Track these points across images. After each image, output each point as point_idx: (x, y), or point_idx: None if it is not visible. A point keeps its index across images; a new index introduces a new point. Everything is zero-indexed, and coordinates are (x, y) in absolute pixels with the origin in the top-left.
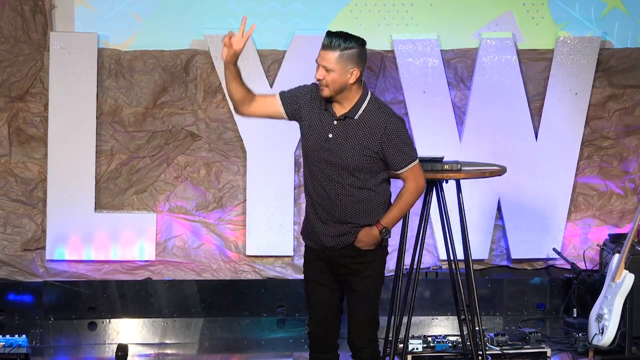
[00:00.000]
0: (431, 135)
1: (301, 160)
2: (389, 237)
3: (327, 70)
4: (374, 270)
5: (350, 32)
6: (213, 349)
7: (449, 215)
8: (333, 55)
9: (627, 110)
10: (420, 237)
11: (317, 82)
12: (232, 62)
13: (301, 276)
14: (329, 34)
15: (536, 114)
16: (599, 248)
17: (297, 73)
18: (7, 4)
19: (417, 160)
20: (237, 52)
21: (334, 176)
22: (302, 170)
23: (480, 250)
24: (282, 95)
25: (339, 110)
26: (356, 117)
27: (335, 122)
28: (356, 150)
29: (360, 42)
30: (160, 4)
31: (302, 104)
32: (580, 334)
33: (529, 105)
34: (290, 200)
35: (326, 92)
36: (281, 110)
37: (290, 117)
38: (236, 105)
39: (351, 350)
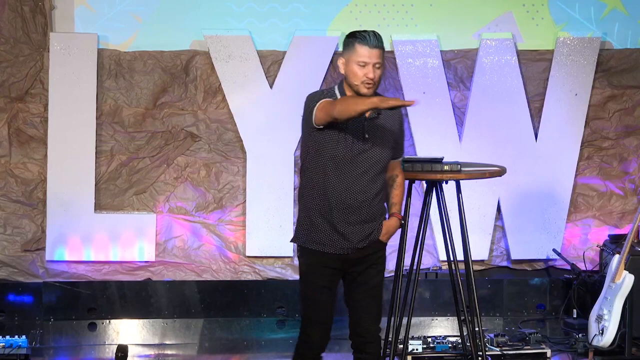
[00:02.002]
0: (431, 135)
1: (305, 164)
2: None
3: (378, 67)
4: (385, 262)
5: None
6: (213, 350)
7: (448, 215)
8: (380, 53)
9: (627, 111)
10: (420, 238)
11: (363, 82)
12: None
13: None
14: (371, 33)
15: (536, 114)
16: (599, 249)
17: (297, 74)
18: (7, 5)
19: None
20: None
21: (373, 175)
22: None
23: (480, 250)
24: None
25: None
26: (382, 113)
27: (365, 122)
28: (388, 144)
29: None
30: (160, 5)
31: None
32: (580, 335)
33: (528, 106)
34: (290, 200)
35: (372, 89)
36: None
37: (326, 126)
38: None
39: (359, 345)
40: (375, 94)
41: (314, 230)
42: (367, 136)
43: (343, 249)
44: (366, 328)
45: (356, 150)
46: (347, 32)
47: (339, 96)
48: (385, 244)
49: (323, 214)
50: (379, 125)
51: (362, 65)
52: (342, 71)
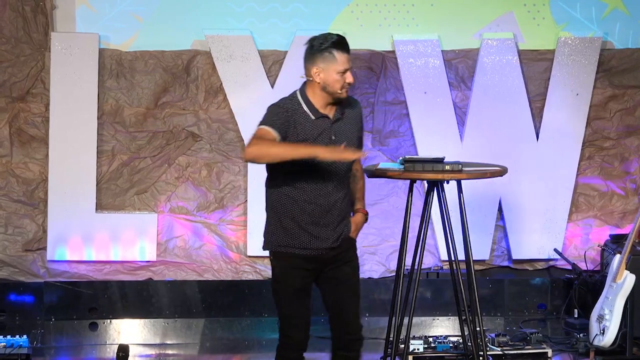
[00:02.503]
0: (432, 135)
1: (272, 172)
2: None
3: (351, 72)
4: (357, 256)
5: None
6: (214, 350)
7: (450, 215)
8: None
9: (628, 111)
10: (421, 238)
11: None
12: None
13: None
14: (337, 38)
15: (537, 114)
16: (600, 248)
17: (298, 73)
18: (8, 5)
19: None
20: None
21: (342, 176)
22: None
23: (481, 250)
24: (275, 127)
25: (329, 111)
26: (345, 113)
27: (331, 125)
28: (353, 143)
29: None
30: (161, 5)
31: (291, 123)
32: (581, 335)
33: (530, 106)
34: None
35: (346, 94)
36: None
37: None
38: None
39: (343, 344)
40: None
41: (286, 235)
42: (333, 138)
43: (317, 250)
44: (353, 325)
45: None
46: (348, 32)
47: (303, 107)
48: (355, 241)
49: (294, 218)
50: (344, 125)
51: (342, 72)
52: (318, 80)
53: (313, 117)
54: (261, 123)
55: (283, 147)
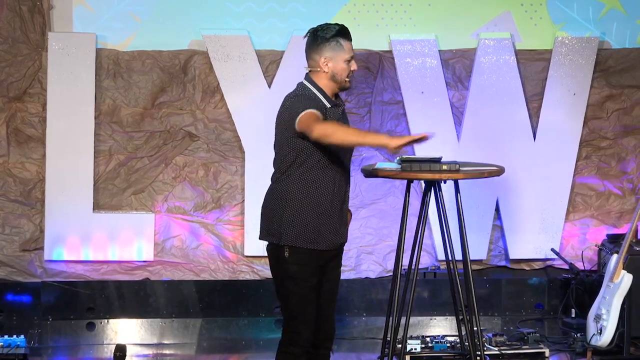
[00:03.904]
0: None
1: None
2: None
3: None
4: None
5: None
6: (211, 349)
7: (447, 215)
8: None
9: (625, 111)
10: (419, 238)
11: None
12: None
13: None
14: (340, 27)
15: (534, 114)
16: (597, 248)
17: (295, 73)
18: (5, 4)
19: None
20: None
21: (348, 164)
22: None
23: (478, 250)
24: (318, 109)
25: (334, 101)
26: (341, 104)
27: (340, 112)
28: None
29: None
30: (159, 5)
31: (326, 110)
32: (578, 334)
33: (527, 106)
34: None
35: (349, 84)
36: None
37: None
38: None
39: (323, 341)
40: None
41: (307, 228)
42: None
43: (332, 244)
44: (332, 324)
45: (342, 147)
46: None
47: (319, 96)
48: None
49: (316, 213)
50: (344, 115)
51: (349, 60)
52: (326, 69)
53: (329, 106)
54: (304, 108)
55: (352, 131)
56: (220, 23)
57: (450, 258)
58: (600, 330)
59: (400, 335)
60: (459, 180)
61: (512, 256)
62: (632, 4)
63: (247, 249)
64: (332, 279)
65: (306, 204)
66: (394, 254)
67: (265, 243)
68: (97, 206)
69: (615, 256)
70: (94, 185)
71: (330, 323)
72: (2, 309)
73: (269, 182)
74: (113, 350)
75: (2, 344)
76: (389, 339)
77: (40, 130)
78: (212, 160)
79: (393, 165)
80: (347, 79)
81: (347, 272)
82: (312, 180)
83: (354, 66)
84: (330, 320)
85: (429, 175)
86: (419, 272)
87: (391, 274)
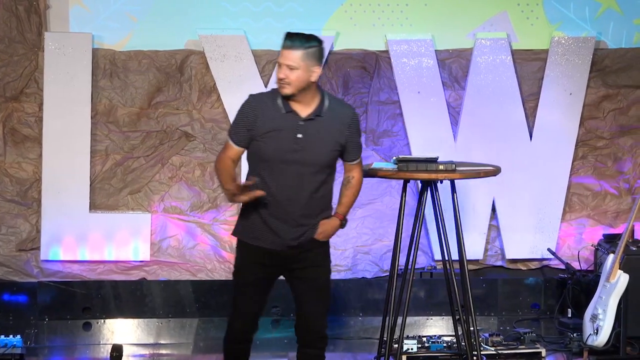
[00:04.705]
0: (426, 135)
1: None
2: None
3: (291, 68)
4: (329, 259)
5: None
6: (208, 349)
7: (443, 215)
8: (297, 54)
9: (621, 110)
10: (415, 237)
11: (278, 82)
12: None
13: None
14: (290, 35)
15: (531, 114)
16: (594, 248)
17: None
18: (1, 4)
19: None
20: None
21: (306, 175)
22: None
23: (474, 250)
24: (237, 141)
25: (303, 109)
26: (323, 115)
27: (301, 123)
28: (328, 146)
29: (320, 41)
30: (155, 4)
31: (257, 117)
32: (574, 334)
33: (523, 106)
34: None
35: (288, 90)
36: (242, 150)
37: (249, 144)
38: None
39: (308, 341)
40: (323, 92)
41: (249, 225)
42: (300, 136)
43: (275, 245)
44: (316, 324)
45: (287, 149)
46: (342, 32)
47: (277, 101)
48: (326, 242)
49: (257, 210)
50: (319, 128)
51: (279, 65)
52: None
53: (284, 111)
54: (230, 129)
55: (221, 178)
56: (217, 23)
57: (446, 258)
58: (597, 330)
59: (396, 335)
60: (455, 180)
61: (508, 256)
62: (629, 4)
63: None
64: (308, 280)
65: (250, 202)
66: (390, 254)
67: None
68: (94, 206)
69: (611, 256)
70: (90, 185)
71: (316, 323)
72: None
73: None
74: (109, 350)
75: None
76: (385, 338)
77: (36, 130)
78: (208, 160)
79: (389, 165)
80: (280, 85)
81: (344, 272)
82: (258, 179)
83: (279, 73)
84: (317, 320)
85: (426, 175)
86: (415, 272)
87: (387, 273)
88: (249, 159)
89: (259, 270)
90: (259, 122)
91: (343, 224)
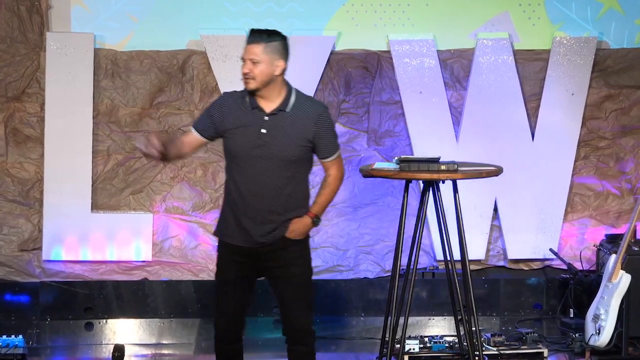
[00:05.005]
0: (428, 135)
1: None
2: (319, 224)
3: (254, 62)
4: (307, 256)
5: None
6: (210, 350)
7: (445, 215)
8: (258, 48)
9: (623, 111)
10: (417, 238)
11: (243, 78)
12: (162, 155)
13: None
14: (253, 30)
15: (533, 114)
16: (596, 248)
17: (293, 73)
18: (3, 4)
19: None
20: (161, 152)
21: (270, 170)
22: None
23: (476, 250)
24: (196, 126)
25: (268, 105)
26: (288, 110)
27: (266, 118)
28: (293, 141)
29: (283, 36)
30: (157, 5)
31: (224, 113)
32: (577, 335)
33: (525, 106)
34: None
35: (252, 85)
36: (201, 138)
37: (214, 136)
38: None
39: (293, 338)
40: (295, 90)
41: (224, 223)
42: (264, 131)
43: (246, 242)
44: (298, 322)
45: (252, 145)
46: (343, 32)
47: (245, 99)
48: (302, 240)
49: (230, 208)
50: (284, 123)
51: (243, 60)
52: None
53: (250, 108)
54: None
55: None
56: (218, 23)
57: (448, 258)
58: (599, 330)
59: (398, 335)
60: (457, 180)
61: (510, 256)
62: (630, 4)
63: None
64: (284, 278)
65: (226, 200)
66: (392, 254)
67: None
68: (95, 206)
69: (613, 256)
70: (92, 185)
71: (298, 320)
72: (0, 309)
73: None
74: (111, 351)
75: (0, 344)
76: (387, 339)
77: (38, 130)
78: (210, 160)
79: (391, 165)
80: (245, 80)
81: (346, 272)
82: (227, 175)
83: (243, 68)
84: (298, 317)
85: (428, 175)
86: (417, 272)
87: (389, 274)
88: (225, 157)
89: (236, 268)
90: (226, 119)
91: (315, 222)
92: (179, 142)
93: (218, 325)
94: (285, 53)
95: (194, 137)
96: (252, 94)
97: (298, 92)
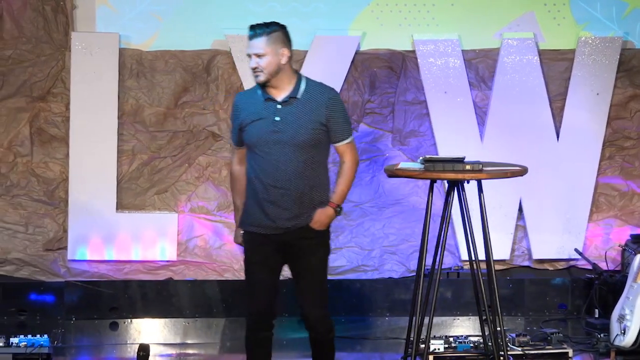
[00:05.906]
0: (453, 135)
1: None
2: (342, 214)
3: (260, 56)
4: (327, 244)
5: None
6: (234, 349)
7: (470, 215)
8: (261, 41)
9: None
10: (442, 238)
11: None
12: None
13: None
14: (252, 26)
15: (558, 114)
16: (621, 248)
17: (318, 73)
18: (28, 4)
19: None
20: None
21: (288, 155)
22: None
23: (501, 250)
24: (234, 141)
25: (279, 94)
26: (299, 96)
27: (279, 106)
28: (307, 125)
29: (282, 25)
30: (181, 4)
31: (240, 112)
32: (602, 335)
33: (550, 106)
34: None
35: (262, 77)
36: (244, 149)
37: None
38: None
39: (310, 322)
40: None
41: (247, 214)
42: (277, 119)
43: (270, 229)
44: (309, 312)
45: (267, 132)
46: (368, 32)
47: (258, 91)
48: (323, 231)
49: (252, 197)
50: (296, 109)
51: (249, 56)
52: None
53: (263, 100)
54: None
55: (232, 191)
56: (243, 22)
57: (473, 258)
58: (624, 330)
59: (423, 335)
60: (482, 180)
61: (535, 256)
62: None
63: None
64: (303, 266)
65: (248, 191)
66: (417, 254)
67: None
68: (121, 206)
69: (638, 256)
70: (117, 185)
71: (312, 309)
72: (25, 308)
73: None
74: (136, 350)
75: (25, 343)
76: (412, 339)
77: (63, 130)
78: None
79: (416, 165)
80: (255, 75)
81: (370, 272)
82: (248, 165)
83: (251, 63)
84: (311, 306)
85: (452, 175)
86: (442, 272)
87: (414, 274)
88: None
89: (263, 252)
90: (243, 116)
91: (338, 211)
92: (240, 171)
93: (250, 312)
94: (287, 41)
95: (242, 151)
96: (264, 86)
97: (308, 79)
